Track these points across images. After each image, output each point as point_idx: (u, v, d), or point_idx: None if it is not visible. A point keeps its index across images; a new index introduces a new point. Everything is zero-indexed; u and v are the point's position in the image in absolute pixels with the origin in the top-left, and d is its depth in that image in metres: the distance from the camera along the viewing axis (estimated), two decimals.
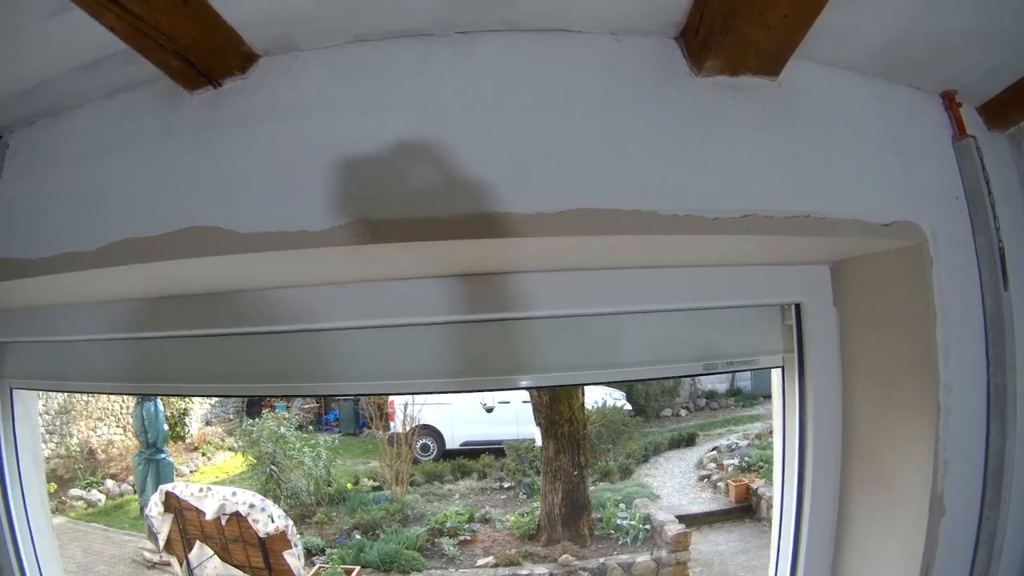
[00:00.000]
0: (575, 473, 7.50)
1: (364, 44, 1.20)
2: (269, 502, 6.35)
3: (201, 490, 6.43)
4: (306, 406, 13.90)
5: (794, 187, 1.22)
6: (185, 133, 1.23)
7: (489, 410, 11.00)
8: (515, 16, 1.16)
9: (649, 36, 1.23)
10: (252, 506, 6.11)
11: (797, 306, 1.52)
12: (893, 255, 1.35)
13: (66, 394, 9.85)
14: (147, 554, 7.20)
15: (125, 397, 9.98)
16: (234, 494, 6.30)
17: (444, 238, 1.12)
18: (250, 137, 1.20)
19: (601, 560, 6.78)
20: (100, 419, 10.70)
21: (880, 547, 1.42)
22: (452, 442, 11.24)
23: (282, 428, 9.49)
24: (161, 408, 8.21)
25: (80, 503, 8.95)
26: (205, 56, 1.12)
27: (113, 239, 1.22)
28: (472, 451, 10.95)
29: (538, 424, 7.80)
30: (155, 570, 7.08)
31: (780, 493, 1.60)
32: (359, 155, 1.15)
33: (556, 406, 7.51)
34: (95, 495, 9.18)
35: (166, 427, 8.37)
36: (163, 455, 8.05)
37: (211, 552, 6.38)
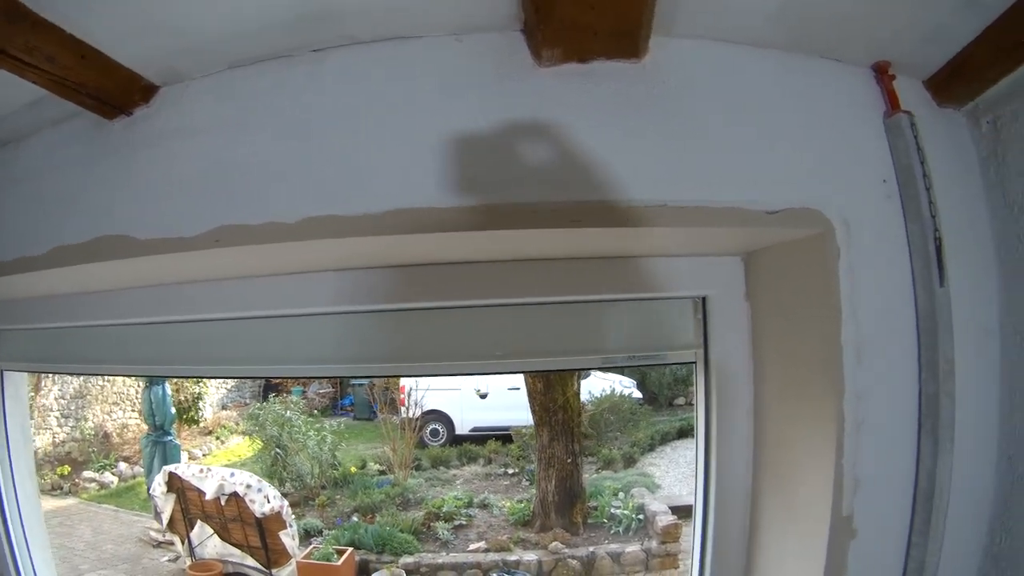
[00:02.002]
0: (568, 461, 7.41)
1: (236, 69, 1.33)
2: (265, 483, 6.48)
3: (202, 471, 6.63)
4: (322, 391, 14.07)
5: (653, 174, 1.10)
6: (106, 155, 1.41)
7: (483, 396, 10.97)
8: (353, 31, 1.23)
9: (494, 32, 1.20)
10: (249, 487, 6.26)
11: (704, 299, 1.38)
12: (799, 245, 1.20)
13: (82, 380, 10.15)
14: (153, 533, 7.41)
15: (139, 383, 10.16)
16: (232, 475, 6.49)
17: (308, 239, 1.20)
18: (150, 157, 1.35)
19: (591, 549, 6.69)
20: (115, 403, 10.95)
21: (791, 569, 1.29)
22: (462, 427, 11.26)
23: (288, 412, 9.58)
24: (169, 392, 8.34)
25: (93, 485, 9.16)
26: (111, 93, 1.33)
27: (52, 245, 1.41)
28: (481, 437, 10.93)
29: (533, 411, 7.71)
30: (160, 548, 7.25)
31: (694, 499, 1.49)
32: (229, 169, 1.27)
33: (550, 393, 7.40)
34: (108, 477, 9.39)
35: (173, 411, 8.47)
36: (170, 437, 8.20)
37: (211, 531, 6.58)
